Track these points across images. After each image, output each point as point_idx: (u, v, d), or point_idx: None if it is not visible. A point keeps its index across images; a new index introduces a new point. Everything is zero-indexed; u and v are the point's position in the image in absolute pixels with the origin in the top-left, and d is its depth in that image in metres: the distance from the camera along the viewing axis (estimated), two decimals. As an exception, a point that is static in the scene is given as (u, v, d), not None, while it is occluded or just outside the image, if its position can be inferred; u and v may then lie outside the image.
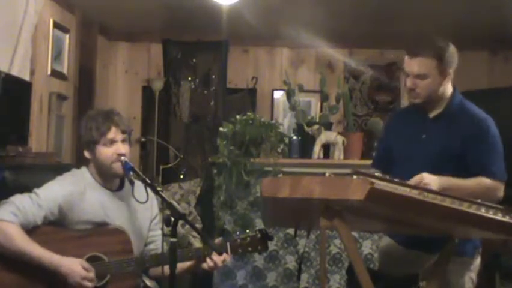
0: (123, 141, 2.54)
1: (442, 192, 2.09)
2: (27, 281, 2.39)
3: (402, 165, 2.52)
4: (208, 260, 2.51)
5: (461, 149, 2.44)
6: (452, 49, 2.46)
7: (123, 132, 2.55)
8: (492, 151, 2.44)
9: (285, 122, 6.25)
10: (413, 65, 2.43)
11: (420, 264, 2.51)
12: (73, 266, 2.36)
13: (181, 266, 2.46)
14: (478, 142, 2.43)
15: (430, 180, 2.28)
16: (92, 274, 2.38)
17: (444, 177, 2.32)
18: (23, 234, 2.37)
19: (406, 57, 2.46)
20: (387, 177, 2.09)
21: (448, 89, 2.50)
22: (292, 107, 4.45)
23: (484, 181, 2.40)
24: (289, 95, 4.43)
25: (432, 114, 2.53)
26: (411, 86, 2.46)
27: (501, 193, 2.43)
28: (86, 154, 2.57)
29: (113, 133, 2.52)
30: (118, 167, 2.51)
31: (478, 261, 2.53)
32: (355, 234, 3.41)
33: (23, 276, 2.38)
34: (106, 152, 2.51)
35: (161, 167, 6.07)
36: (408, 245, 2.54)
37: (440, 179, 2.30)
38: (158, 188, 2.44)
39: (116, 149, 2.51)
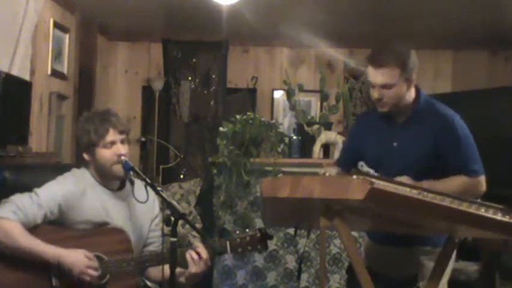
0: (122, 141, 2.54)
1: (442, 192, 2.09)
2: (30, 277, 2.39)
3: (378, 172, 2.48)
4: (190, 260, 2.45)
5: (434, 151, 2.45)
6: (413, 55, 2.45)
7: (121, 132, 2.54)
8: (467, 150, 2.46)
9: (285, 122, 6.25)
10: (377, 75, 2.42)
11: (397, 259, 2.54)
12: (76, 256, 2.37)
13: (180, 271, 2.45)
14: (450, 142, 2.43)
15: None
16: (95, 263, 2.39)
17: (425, 181, 2.32)
18: (23, 230, 2.37)
19: (370, 68, 2.45)
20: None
21: (412, 93, 2.50)
22: (292, 107, 4.45)
23: (465, 180, 2.41)
24: (289, 94, 4.43)
25: (400, 120, 2.53)
26: (378, 96, 2.45)
27: (484, 187, 2.45)
28: (86, 156, 2.57)
29: (112, 135, 2.51)
30: (118, 169, 2.51)
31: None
32: (355, 234, 3.40)
33: (25, 272, 2.38)
34: (106, 154, 2.51)
35: (161, 167, 6.08)
36: (382, 242, 2.58)
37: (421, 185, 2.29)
38: (158, 188, 2.44)
39: (116, 150, 2.51)
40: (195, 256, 2.44)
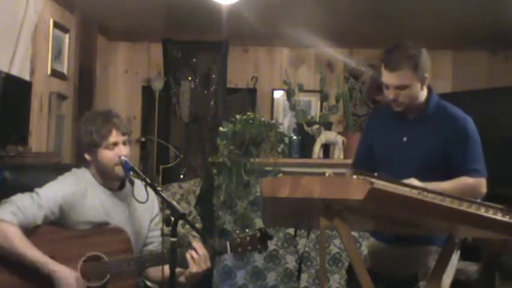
0: (124, 142, 2.54)
1: (442, 192, 2.09)
2: (25, 282, 2.38)
3: (385, 167, 2.54)
4: (190, 260, 2.45)
5: (442, 149, 2.49)
6: (424, 54, 2.51)
7: (124, 134, 2.55)
8: (474, 150, 2.51)
9: (285, 122, 6.26)
10: (392, 78, 2.49)
11: (404, 259, 2.55)
12: (67, 278, 2.35)
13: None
14: (459, 142, 2.48)
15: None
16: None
17: (431, 183, 2.34)
18: (21, 235, 2.36)
19: (384, 71, 2.50)
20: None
21: (425, 92, 2.56)
22: (292, 107, 4.45)
23: (468, 181, 2.46)
24: (289, 94, 4.44)
25: (411, 117, 2.58)
26: (394, 97, 2.51)
27: (485, 189, 2.50)
28: (87, 156, 2.56)
29: (115, 136, 2.51)
30: (120, 170, 2.51)
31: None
32: (355, 234, 3.40)
33: (20, 277, 2.38)
34: (108, 155, 2.51)
35: (161, 167, 6.07)
36: (391, 241, 2.59)
37: (427, 185, 2.31)
38: (158, 188, 2.44)
39: (118, 151, 2.51)
40: (195, 256, 2.44)
